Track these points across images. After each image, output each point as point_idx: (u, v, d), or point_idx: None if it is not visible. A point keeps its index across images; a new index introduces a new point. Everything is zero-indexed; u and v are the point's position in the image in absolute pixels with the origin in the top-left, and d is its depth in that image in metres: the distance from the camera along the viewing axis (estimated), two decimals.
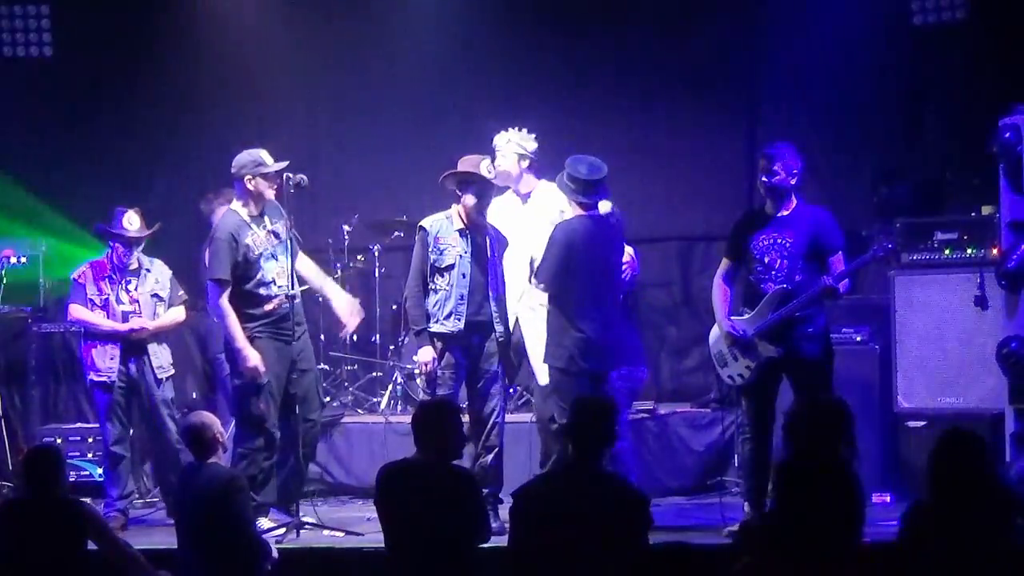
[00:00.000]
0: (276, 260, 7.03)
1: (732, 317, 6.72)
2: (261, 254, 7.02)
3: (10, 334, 8.86)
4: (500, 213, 7.41)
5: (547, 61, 9.54)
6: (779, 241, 6.60)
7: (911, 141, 9.00)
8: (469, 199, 7.01)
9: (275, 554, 6.06)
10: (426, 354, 7.02)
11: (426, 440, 5.46)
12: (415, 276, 7.10)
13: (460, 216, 7.05)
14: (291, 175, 7.11)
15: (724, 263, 6.87)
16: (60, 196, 9.51)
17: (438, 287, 7.03)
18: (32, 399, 8.75)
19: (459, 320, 6.97)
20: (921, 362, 7.72)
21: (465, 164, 7.04)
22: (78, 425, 8.63)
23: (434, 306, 7.04)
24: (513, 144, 7.40)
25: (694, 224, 9.47)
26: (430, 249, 7.03)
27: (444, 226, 7.06)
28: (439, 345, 7.01)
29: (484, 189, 7.03)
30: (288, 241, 7.12)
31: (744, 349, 6.66)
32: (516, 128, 7.45)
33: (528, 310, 7.33)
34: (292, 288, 7.11)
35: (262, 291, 7.01)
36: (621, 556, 4.72)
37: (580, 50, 9.52)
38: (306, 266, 7.36)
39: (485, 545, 5.51)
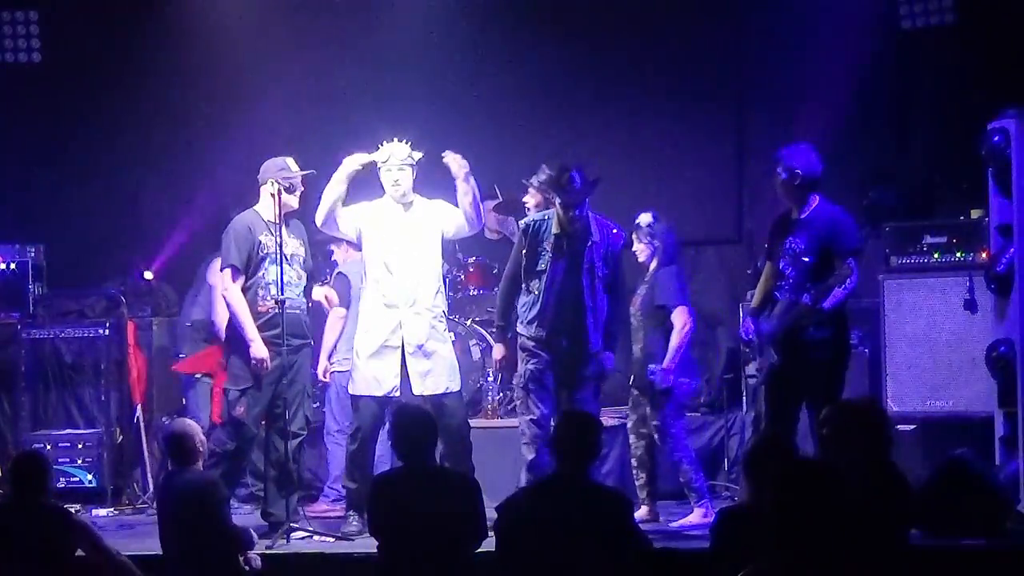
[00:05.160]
0: (277, 266, 6.96)
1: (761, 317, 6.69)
2: (267, 255, 7.00)
3: None
4: (382, 219, 7.12)
5: (535, 66, 9.53)
6: (793, 247, 6.53)
7: (900, 145, 9.02)
8: (559, 209, 6.83)
9: (257, 562, 6.09)
10: (497, 351, 7.03)
11: (411, 449, 5.51)
12: (507, 273, 7.02)
13: (560, 220, 6.85)
14: (298, 168, 7.14)
15: (766, 266, 6.81)
16: (48, 202, 9.50)
17: (531, 290, 6.88)
18: (22, 405, 8.72)
19: (542, 328, 6.80)
20: (911, 366, 7.73)
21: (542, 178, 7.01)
22: (68, 431, 8.59)
23: (522, 307, 6.92)
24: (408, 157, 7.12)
25: (684, 229, 9.36)
26: (524, 250, 6.88)
27: (543, 228, 6.88)
28: (529, 345, 6.86)
29: (568, 199, 6.78)
30: (302, 260, 7.17)
31: (760, 349, 6.69)
32: (398, 139, 7.11)
33: (415, 315, 7.01)
34: (298, 300, 7.10)
35: (260, 292, 7.00)
36: (608, 564, 4.72)
37: (569, 54, 9.51)
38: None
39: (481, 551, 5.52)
